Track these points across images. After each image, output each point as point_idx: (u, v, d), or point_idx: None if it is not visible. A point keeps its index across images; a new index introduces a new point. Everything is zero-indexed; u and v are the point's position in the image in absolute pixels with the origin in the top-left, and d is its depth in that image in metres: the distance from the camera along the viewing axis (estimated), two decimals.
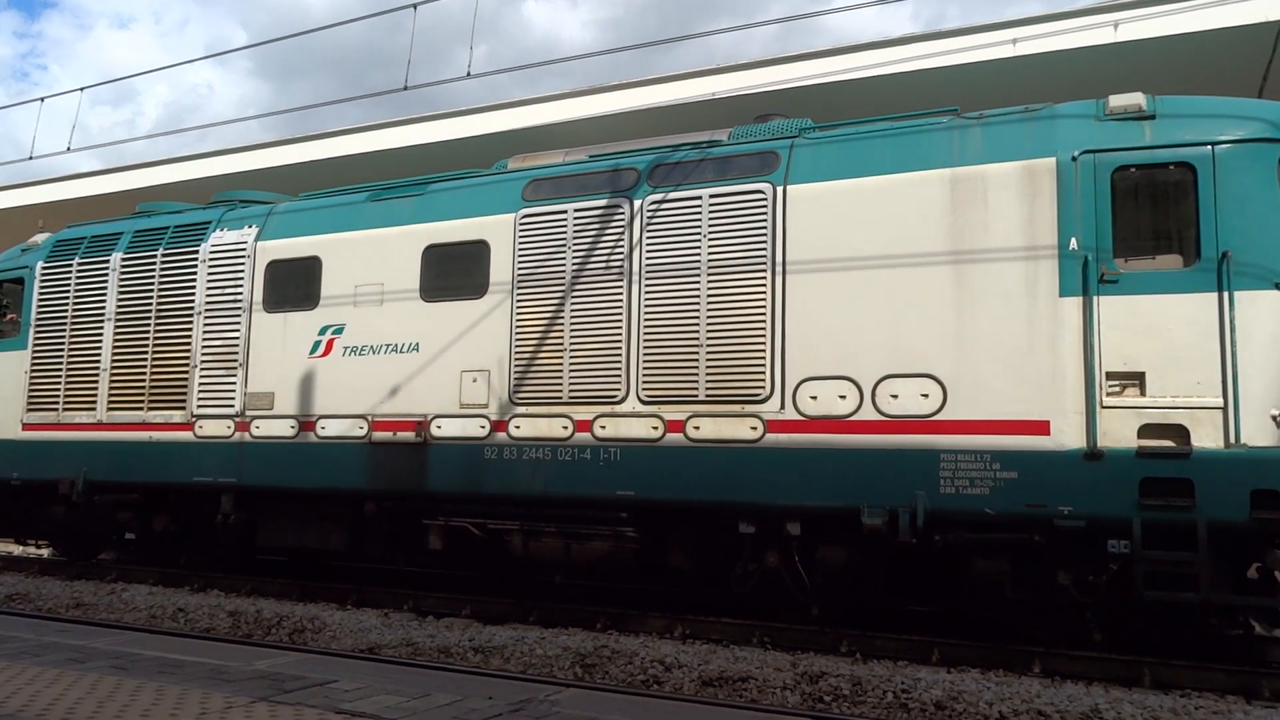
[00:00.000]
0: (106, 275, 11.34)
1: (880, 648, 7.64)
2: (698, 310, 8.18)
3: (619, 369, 8.45)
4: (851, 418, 7.55)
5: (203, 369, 10.50)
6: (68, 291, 11.59)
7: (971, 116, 7.90)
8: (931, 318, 7.42)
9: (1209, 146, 6.97)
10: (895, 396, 7.44)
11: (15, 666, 5.62)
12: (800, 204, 8.00)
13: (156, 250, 11.10)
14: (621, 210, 8.70)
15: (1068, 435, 6.92)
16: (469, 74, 10.03)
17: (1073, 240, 7.11)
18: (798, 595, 8.06)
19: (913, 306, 7.49)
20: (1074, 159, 7.23)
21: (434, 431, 9.16)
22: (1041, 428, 6.98)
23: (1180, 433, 6.71)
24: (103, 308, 11.27)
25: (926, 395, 7.36)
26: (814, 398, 7.70)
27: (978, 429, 7.17)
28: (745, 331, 8.00)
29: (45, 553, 13.30)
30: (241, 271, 10.50)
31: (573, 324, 8.71)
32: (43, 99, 12.79)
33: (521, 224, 9.10)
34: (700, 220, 8.33)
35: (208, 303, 10.62)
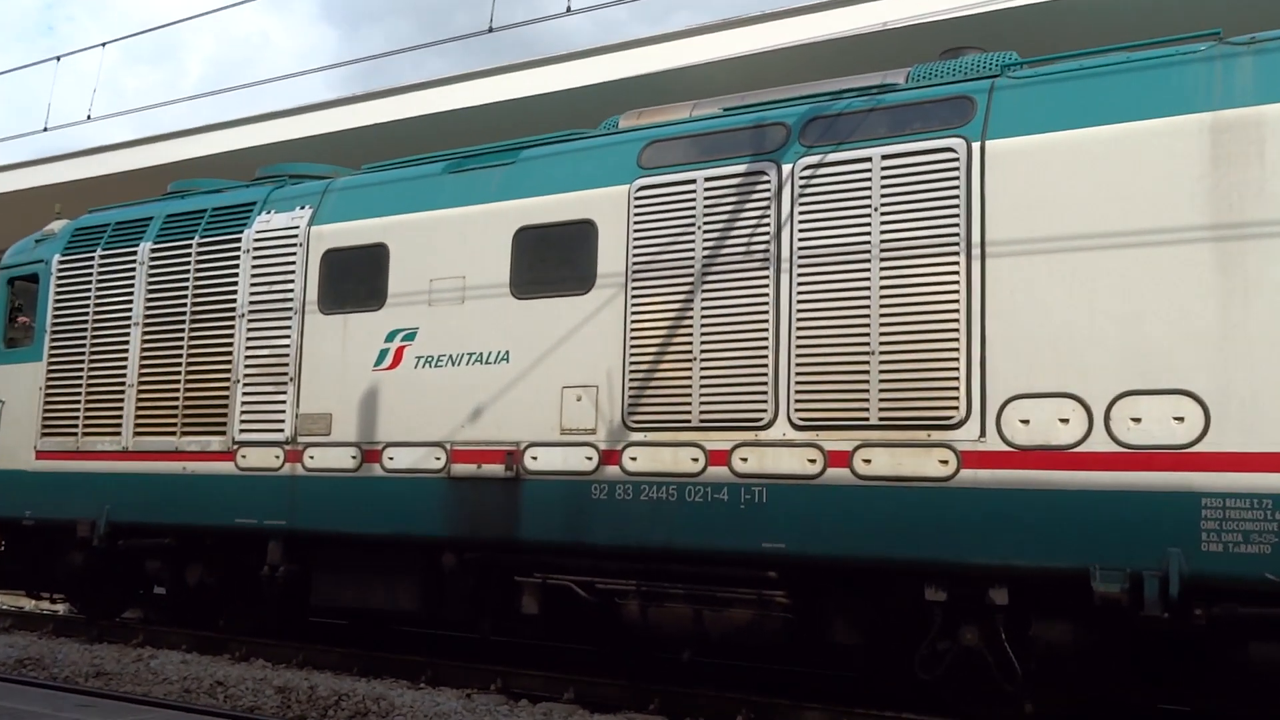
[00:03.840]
0: (133, 270, 11.92)
1: None
2: (869, 307, 8.09)
3: (764, 384, 8.40)
4: (1076, 449, 7.36)
5: (246, 385, 10.92)
6: (89, 290, 12.23)
7: (1240, 41, 7.61)
8: (1186, 314, 7.18)
9: None
10: (1137, 420, 7.22)
11: None
12: (1004, 165, 7.86)
13: (191, 238, 11.61)
14: (767, 178, 8.66)
15: None
16: (569, 9, 10.16)
17: None
18: (1005, 685, 7.87)
19: (1160, 299, 7.26)
20: None
21: (528, 464, 9.27)
22: None
23: None
24: (129, 310, 11.83)
25: (1181, 418, 7.10)
26: (1025, 422, 7.54)
27: (1255, 464, 6.87)
28: (932, 334, 7.88)
29: (61, 608, 14.04)
30: (292, 263, 10.88)
31: (704, 326, 8.71)
32: (59, 57, 13.13)
33: (637, 198, 9.16)
34: (870, 189, 8.25)
35: (252, 303, 11.04)
